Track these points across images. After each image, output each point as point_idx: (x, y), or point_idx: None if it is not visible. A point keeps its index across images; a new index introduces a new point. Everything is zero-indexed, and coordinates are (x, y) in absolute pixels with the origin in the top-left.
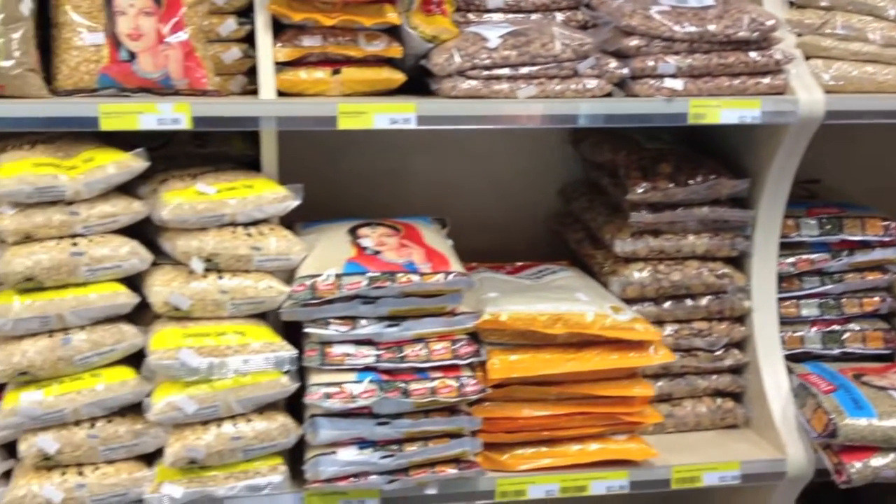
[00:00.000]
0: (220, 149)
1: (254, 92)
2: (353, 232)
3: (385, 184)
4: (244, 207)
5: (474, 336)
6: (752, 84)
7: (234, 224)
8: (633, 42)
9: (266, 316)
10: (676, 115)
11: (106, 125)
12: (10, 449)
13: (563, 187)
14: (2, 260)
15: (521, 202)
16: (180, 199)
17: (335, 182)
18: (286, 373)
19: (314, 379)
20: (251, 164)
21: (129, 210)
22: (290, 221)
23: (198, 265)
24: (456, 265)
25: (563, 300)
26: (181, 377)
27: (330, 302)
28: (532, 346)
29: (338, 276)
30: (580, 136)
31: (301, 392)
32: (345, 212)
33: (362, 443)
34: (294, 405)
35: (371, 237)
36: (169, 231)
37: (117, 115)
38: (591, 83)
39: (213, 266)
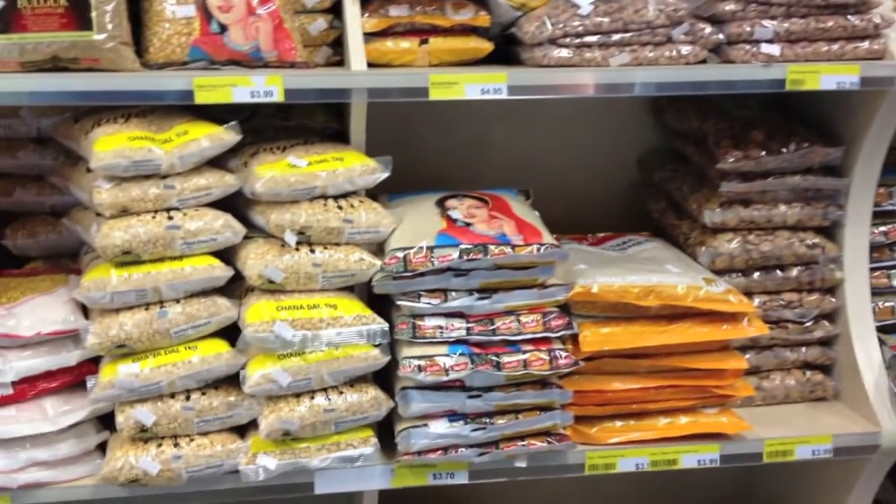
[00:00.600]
0: (303, 121)
1: (339, 63)
2: (440, 204)
3: (465, 154)
4: (335, 180)
5: (565, 308)
6: (851, 49)
7: (324, 197)
8: (729, 6)
9: (353, 289)
10: (774, 82)
11: (200, 98)
12: (104, 421)
13: (642, 156)
14: (100, 233)
15: (600, 171)
16: (273, 171)
17: (416, 153)
18: (378, 346)
19: (406, 352)
20: (334, 137)
21: (221, 183)
22: (375, 194)
23: (291, 238)
24: (548, 237)
25: (654, 272)
26: (275, 350)
27: (422, 275)
28: (623, 319)
29: (429, 248)
30: (662, 104)
31: (390, 366)
32: (426, 183)
33: (453, 415)
34: (383, 379)
35: (459, 209)
36: (261, 204)
37: (212, 87)
38: (686, 49)
39: (305, 239)
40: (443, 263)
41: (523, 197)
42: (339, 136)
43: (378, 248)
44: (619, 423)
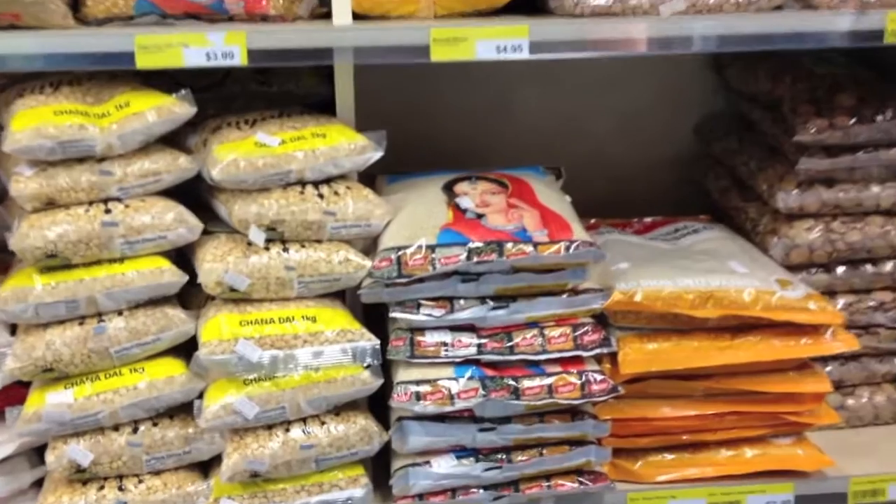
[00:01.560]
0: (286, 87)
1: (326, 16)
2: (448, 189)
3: (483, 124)
4: (315, 162)
5: (601, 319)
6: None
7: (302, 183)
8: None
9: (343, 297)
10: (869, 33)
11: (143, 62)
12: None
13: (701, 124)
14: (18, 232)
15: (647, 142)
16: (235, 153)
17: (422, 125)
18: (368, 367)
19: (402, 375)
20: (320, 106)
21: (173, 167)
22: (371, 175)
23: (258, 236)
24: (580, 231)
25: (714, 272)
26: (239, 374)
27: (421, 280)
28: (674, 332)
29: (430, 247)
30: (725, 60)
31: (386, 389)
32: (435, 161)
33: (461, 451)
34: (378, 403)
35: (472, 195)
36: (222, 193)
37: (157, 49)
38: None
39: (278, 236)
40: (447, 266)
41: (552, 177)
42: (328, 106)
43: (373, 244)
44: (669, 457)
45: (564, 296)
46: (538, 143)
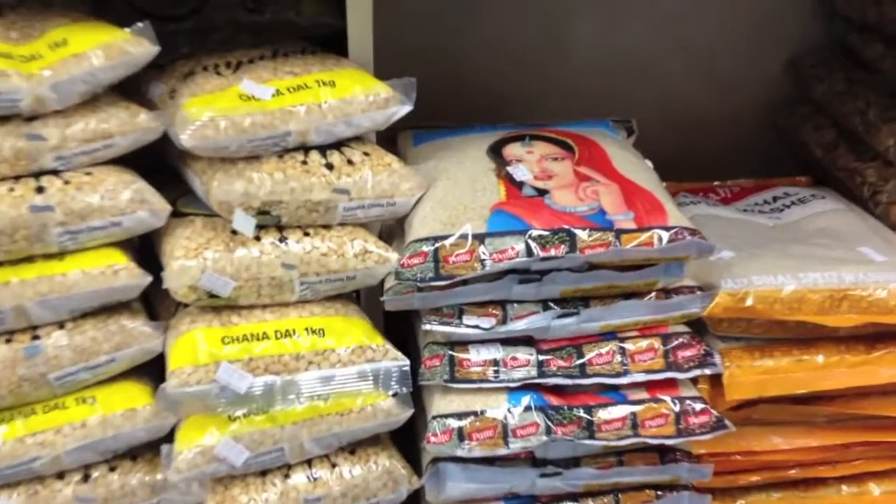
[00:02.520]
0: (282, 15)
1: None
2: (496, 152)
3: (529, 66)
4: (322, 120)
5: (696, 325)
6: None
7: (304, 148)
8: None
9: (358, 297)
10: None
11: None
12: None
13: (796, 59)
14: None
15: (728, 85)
16: (213, 109)
17: (454, 66)
18: (395, 395)
19: (439, 405)
20: (331, 42)
21: (130, 127)
22: (390, 132)
23: (245, 223)
24: (676, 214)
25: (844, 262)
26: (223, 409)
27: (465, 282)
28: (793, 342)
29: (478, 237)
30: None
31: (416, 419)
32: (471, 112)
33: (515, 500)
34: (404, 433)
35: (528, 162)
36: (197, 162)
37: None
38: None
39: (272, 221)
40: (501, 264)
41: (623, 133)
42: (338, 41)
43: (398, 227)
44: (776, 496)
45: (652, 297)
46: (594, 88)
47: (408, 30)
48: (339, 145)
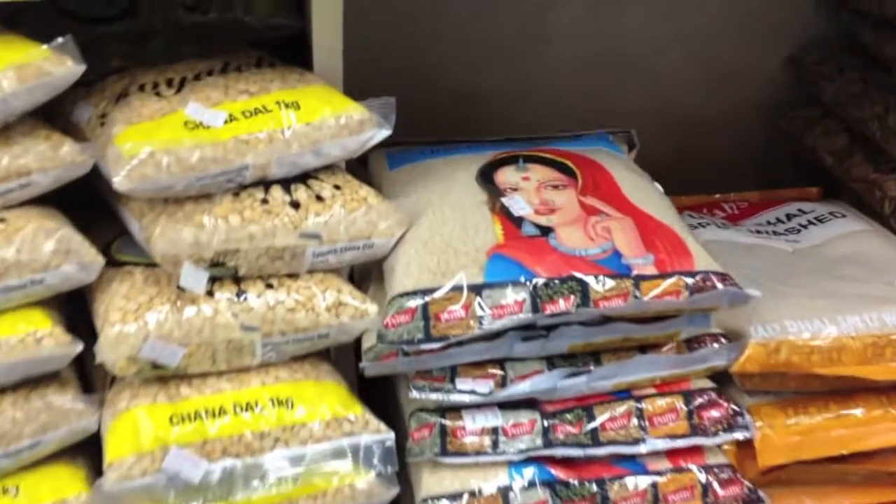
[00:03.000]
0: (230, 15)
1: None
2: (486, 178)
3: (510, 60)
4: (284, 150)
5: (722, 379)
6: None
7: (264, 183)
8: None
9: (330, 354)
10: None
11: None
12: None
13: (799, 54)
14: None
15: (726, 80)
16: (151, 143)
17: (425, 63)
18: (379, 475)
19: (428, 485)
20: (287, 51)
21: (52, 162)
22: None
23: (195, 279)
24: (702, 255)
25: (882, 300)
26: (173, 501)
27: (461, 343)
28: (830, 395)
29: (475, 289)
30: None
31: (403, 498)
32: (444, 114)
33: None
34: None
35: (524, 191)
36: (135, 203)
37: None
38: None
39: (228, 272)
40: (501, 321)
41: (625, 147)
42: (299, 48)
43: (374, 265)
44: None
45: (673, 350)
46: (579, 85)
47: (372, 25)
48: (305, 178)
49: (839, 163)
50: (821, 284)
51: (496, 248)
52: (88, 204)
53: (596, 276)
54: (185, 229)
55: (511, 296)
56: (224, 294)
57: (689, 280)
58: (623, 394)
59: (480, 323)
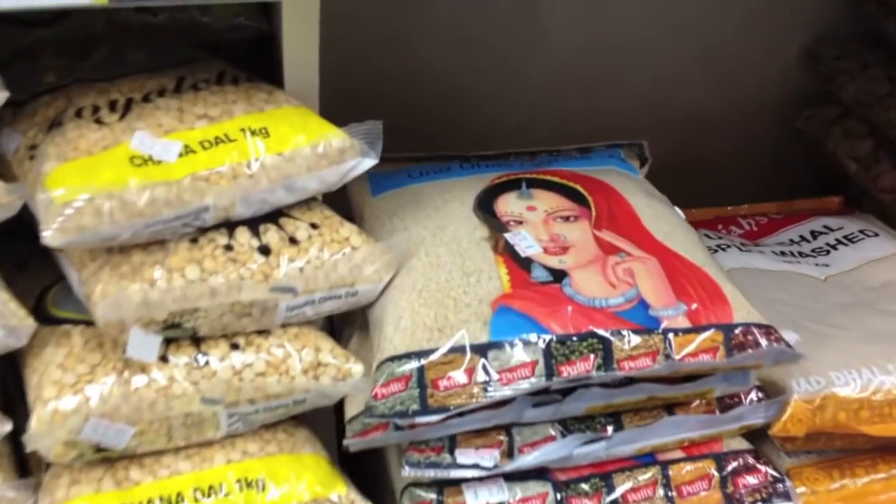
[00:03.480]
0: (183, 16)
1: None
2: (485, 208)
3: (497, 52)
4: (251, 187)
5: (758, 438)
6: None
7: (228, 225)
8: None
9: (305, 415)
10: None
11: None
12: None
13: (815, 47)
14: None
15: (730, 72)
16: (90, 187)
17: (408, 58)
18: None
19: None
20: (253, 62)
21: None
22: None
23: (144, 346)
24: (740, 302)
25: None
26: None
27: (462, 414)
28: (878, 453)
29: (479, 349)
30: None
31: None
32: (429, 115)
33: None
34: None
35: (530, 224)
36: (73, 253)
37: None
38: None
39: (185, 334)
40: (511, 387)
41: (636, 162)
42: (264, 56)
43: (360, 312)
44: None
45: (703, 410)
46: (575, 79)
47: (355, 21)
48: (276, 216)
49: (864, 170)
50: (865, 323)
51: (502, 298)
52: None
53: (619, 332)
54: (133, 287)
55: (521, 357)
56: (181, 358)
57: (728, 334)
58: (647, 458)
59: (486, 390)
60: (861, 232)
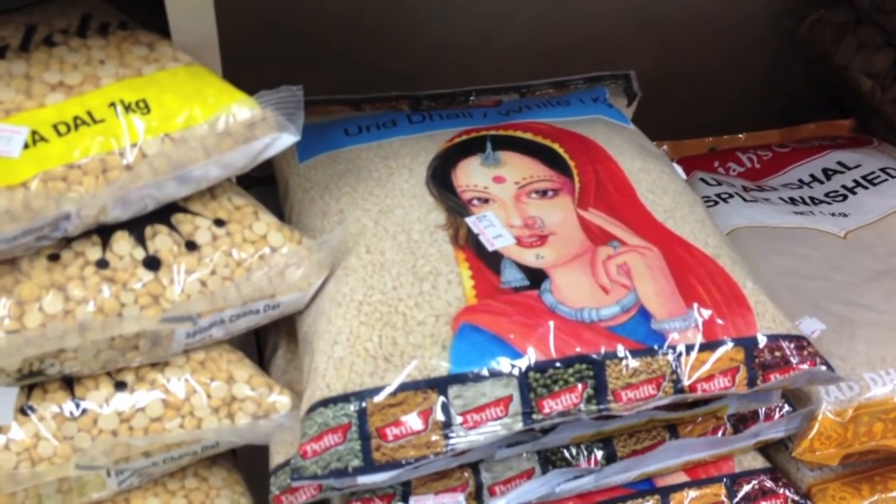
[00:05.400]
0: None
1: None
2: (441, 180)
3: None
4: (129, 183)
5: (775, 454)
6: None
7: (101, 231)
8: None
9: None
10: None
11: None
12: None
13: None
14: None
15: None
16: None
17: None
18: None
19: None
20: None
21: None
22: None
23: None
24: (766, 307)
25: None
26: None
27: (417, 467)
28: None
29: (437, 385)
30: None
31: None
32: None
33: None
34: None
35: (498, 202)
36: None
37: None
38: None
39: (49, 377)
40: (478, 432)
41: (622, 101)
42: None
43: (286, 329)
44: None
45: (713, 429)
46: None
47: None
48: (167, 213)
49: (881, 89)
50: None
51: (465, 312)
52: None
53: (615, 354)
54: None
55: (491, 392)
56: (48, 407)
57: (751, 351)
58: (643, 484)
59: (447, 437)
60: (883, 171)
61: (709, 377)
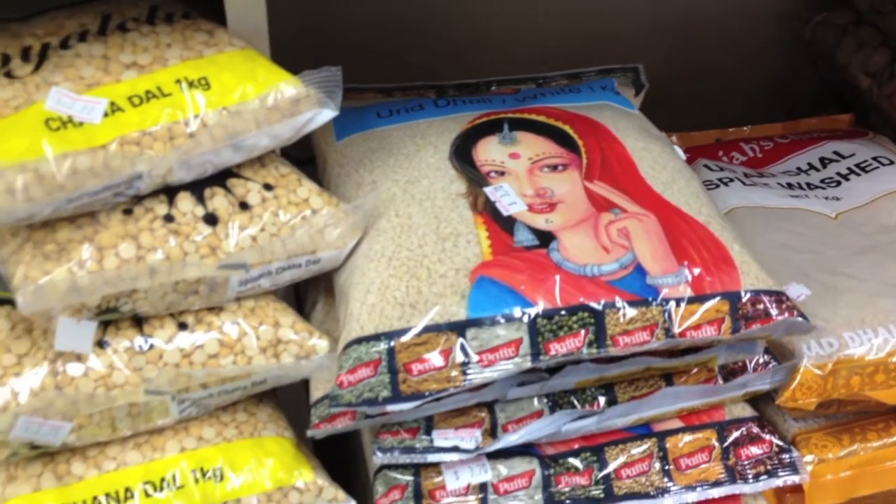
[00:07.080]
0: None
1: None
2: (463, 156)
3: None
4: (192, 149)
5: (763, 404)
6: None
7: (167, 191)
8: None
9: (275, 393)
10: None
11: None
12: None
13: None
14: None
15: None
16: (1, 160)
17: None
18: None
19: None
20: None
21: None
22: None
23: (75, 337)
24: (749, 265)
25: None
26: None
27: (438, 399)
28: (884, 416)
29: (456, 327)
30: None
31: None
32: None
33: None
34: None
35: (513, 175)
36: None
37: None
38: None
39: (123, 316)
40: (492, 369)
41: (630, 91)
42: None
43: (321, 283)
44: None
45: (704, 379)
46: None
47: None
48: (223, 177)
49: (878, 85)
50: (881, 271)
51: (482, 266)
52: None
53: (613, 304)
54: (58, 272)
55: (504, 335)
56: (121, 342)
57: (735, 303)
58: (642, 429)
59: (465, 374)
60: (875, 160)
61: (697, 326)
